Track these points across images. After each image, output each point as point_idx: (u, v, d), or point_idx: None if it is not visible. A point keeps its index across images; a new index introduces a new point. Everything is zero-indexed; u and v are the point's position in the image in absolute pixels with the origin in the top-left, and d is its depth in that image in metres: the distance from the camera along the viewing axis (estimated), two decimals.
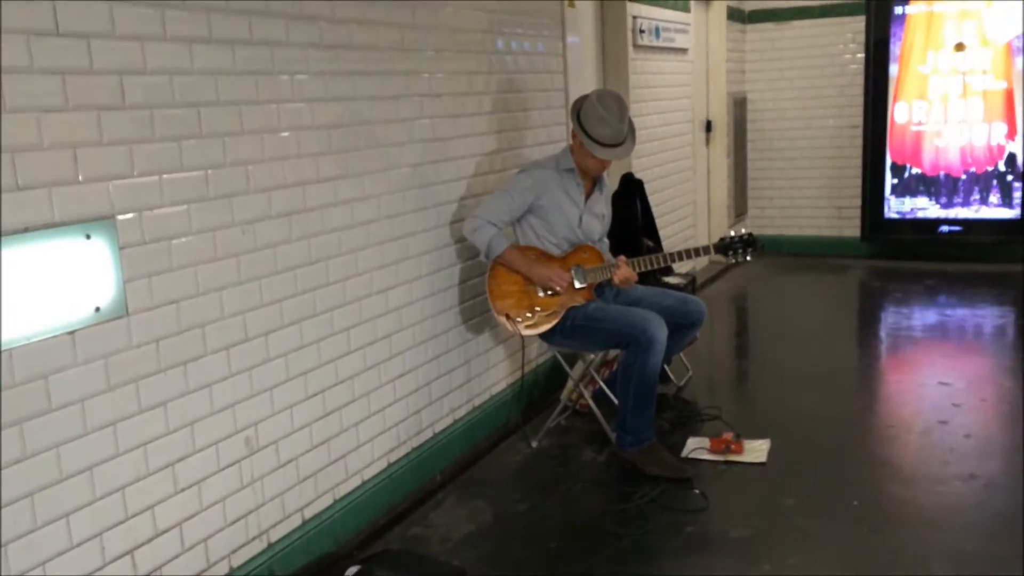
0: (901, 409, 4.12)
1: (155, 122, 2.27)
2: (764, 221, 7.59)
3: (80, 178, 2.09)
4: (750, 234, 3.59)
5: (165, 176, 2.31)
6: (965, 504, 3.11)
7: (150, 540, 2.32)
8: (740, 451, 3.54)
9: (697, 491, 3.26)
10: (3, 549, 1.96)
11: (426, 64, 3.36)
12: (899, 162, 6.81)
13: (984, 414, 3.98)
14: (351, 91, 2.96)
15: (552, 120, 4.36)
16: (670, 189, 6.04)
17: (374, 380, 3.17)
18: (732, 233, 3.61)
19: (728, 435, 3.61)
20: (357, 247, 3.04)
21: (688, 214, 6.52)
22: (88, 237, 2.10)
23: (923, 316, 5.81)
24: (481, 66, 3.73)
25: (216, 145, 2.46)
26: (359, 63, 2.99)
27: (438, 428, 3.57)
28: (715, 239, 6.83)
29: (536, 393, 4.21)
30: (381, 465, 3.24)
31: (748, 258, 3.58)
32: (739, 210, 7.49)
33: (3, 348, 1.93)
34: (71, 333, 2.08)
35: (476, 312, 3.78)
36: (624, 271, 3.43)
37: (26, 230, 1.96)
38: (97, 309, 2.14)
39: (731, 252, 3.59)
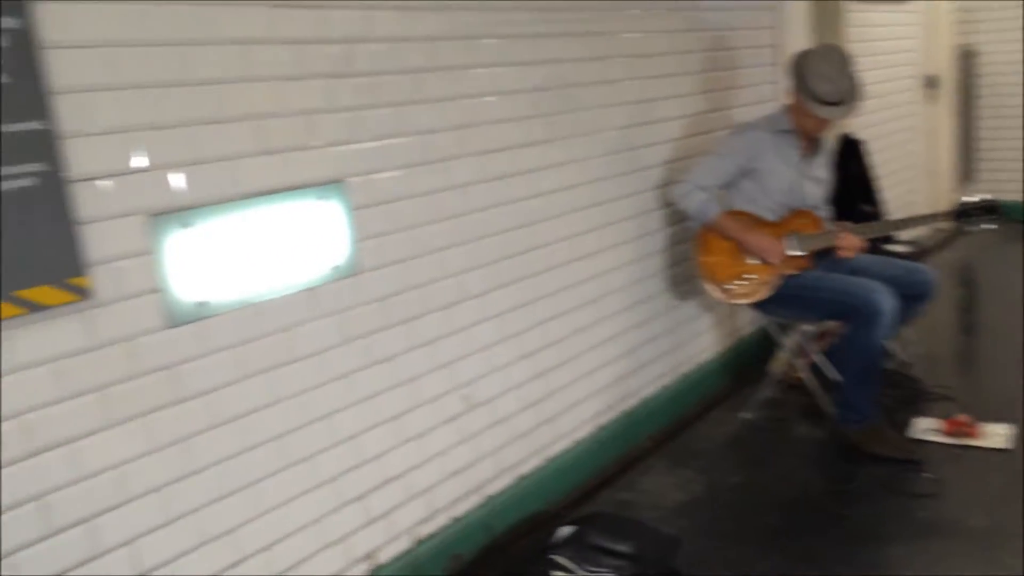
0: None
1: (379, 88, 2.36)
2: (995, 186, 6.89)
3: (314, 143, 2.21)
4: (991, 200, 3.27)
5: (390, 141, 2.40)
6: None
7: (381, 485, 2.45)
8: (977, 435, 3.24)
9: (929, 475, 3.03)
10: (258, 484, 2.12)
11: (632, 23, 3.29)
12: None
13: None
14: (558, 53, 2.95)
15: (761, 79, 4.16)
16: (889, 151, 5.62)
17: (583, 343, 3.17)
18: (970, 198, 3.30)
19: (963, 417, 3.32)
20: (565, 211, 3.04)
21: (908, 178, 6.05)
22: (324, 199, 2.22)
23: None
24: (688, 23, 3.61)
25: (432, 110, 2.53)
26: (566, 24, 2.97)
27: (645, 394, 3.53)
28: (944, 205, 6.30)
29: (744, 363, 4.07)
30: (590, 428, 3.24)
31: (988, 226, 3.26)
32: (966, 174, 6.87)
33: (255, 302, 2.08)
34: (311, 290, 2.22)
35: (682, 279, 3.70)
36: (849, 239, 3.22)
37: (271, 192, 2.10)
38: (335, 267, 2.26)
39: (969, 219, 3.28)
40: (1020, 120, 6.81)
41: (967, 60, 6.68)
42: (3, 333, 1.64)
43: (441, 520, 2.66)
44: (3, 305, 1.62)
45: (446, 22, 2.54)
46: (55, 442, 1.76)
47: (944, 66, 6.39)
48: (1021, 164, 6.87)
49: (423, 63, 2.48)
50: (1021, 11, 6.62)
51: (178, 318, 1.93)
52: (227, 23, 1.99)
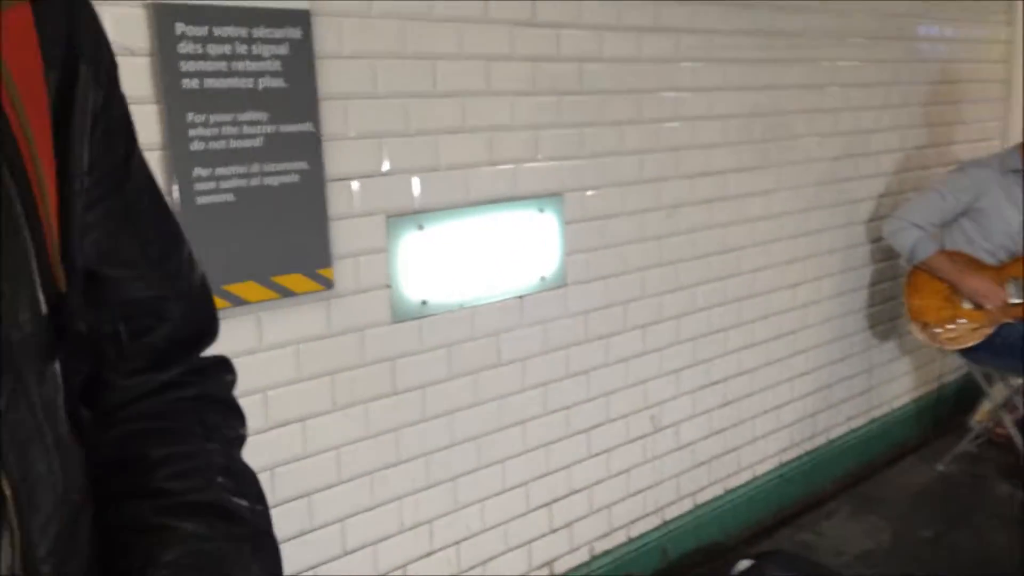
0: None
1: (602, 107, 2.41)
2: None
3: (539, 156, 2.28)
4: None
5: (606, 159, 2.45)
6: None
7: (566, 496, 2.49)
8: None
9: None
10: (456, 480, 2.21)
11: (851, 51, 3.19)
12: None
13: None
14: (774, 79, 2.90)
15: (988, 115, 3.92)
16: None
17: (774, 376, 3.10)
18: None
19: None
20: (769, 239, 2.99)
21: None
22: (541, 211, 2.29)
23: None
24: (911, 54, 3.46)
25: (648, 131, 2.55)
26: (783, 51, 2.92)
27: (833, 435, 3.40)
28: None
29: (941, 413, 3.84)
30: (773, 463, 3.16)
31: None
32: None
33: (470, 305, 2.17)
34: (520, 298, 2.29)
35: (884, 318, 3.54)
36: None
37: (497, 201, 2.19)
38: (543, 278, 2.32)
39: None
40: None
41: None
42: (258, 315, 1.80)
43: (619, 538, 2.68)
44: (262, 288, 1.77)
45: (669, 45, 2.56)
46: (289, 419, 1.90)
47: None
48: None
49: (643, 84, 2.51)
50: None
51: (403, 314, 2.05)
52: (472, 40, 2.09)
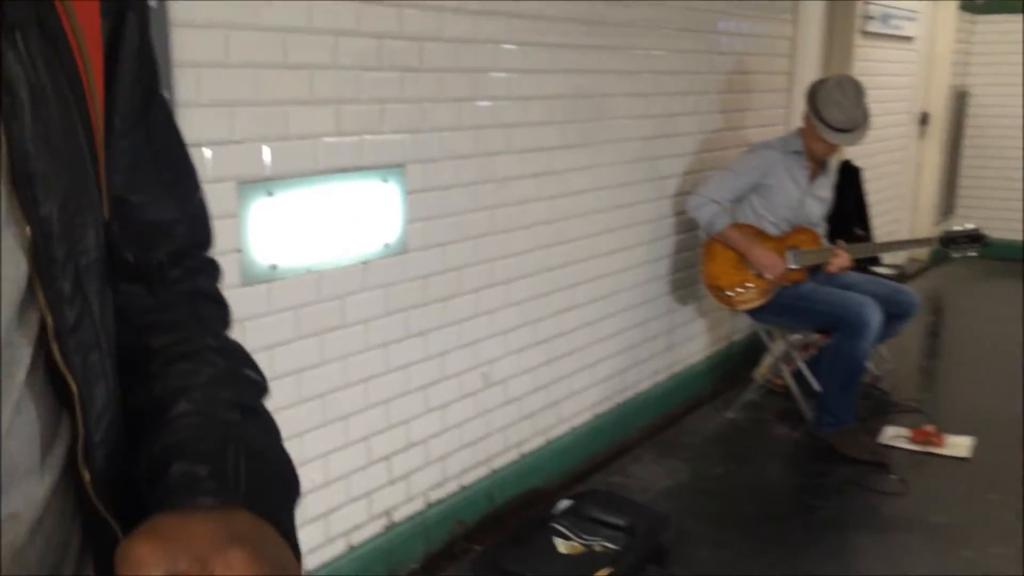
0: None
1: (444, 84, 2.56)
2: (973, 222, 7.23)
3: (383, 129, 2.41)
4: (977, 229, 3.54)
5: (445, 133, 2.61)
6: None
7: (404, 449, 2.66)
8: (941, 444, 3.54)
9: (895, 476, 3.31)
10: (303, 436, 2.33)
11: (662, 41, 3.51)
12: None
13: None
14: (596, 64, 3.16)
15: (773, 103, 4.41)
16: (879, 181, 5.89)
17: (590, 335, 3.40)
18: (958, 227, 3.57)
19: (929, 427, 3.61)
20: (589, 211, 3.26)
21: (894, 208, 6.36)
22: (385, 181, 2.42)
23: None
24: (710, 46, 3.83)
25: (486, 108, 2.73)
26: (604, 37, 3.18)
27: (640, 388, 3.77)
28: (925, 232, 6.62)
29: (730, 367, 4.33)
30: (588, 416, 3.48)
31: (973, 253, 3.54)
32: (946, 208, 7.20)
33: (317, 270, 2.28)
34: (365, 263, 2.42)
35: (684, 283, 3.94)
36: (842, 259, 3.49)
37: (343, 171, 2.30)
38: (386, 245, 2.46)
39: (955, 245, 3.56)
40: (1001, 161, 7.15)
41: (959, 100, 6.99)
42: None
43: (451, 487, 2.88)
44: None
45: (501, 28, 2.74)
46: None
47: (937, 105, 6.70)
48: (997, 203, 7.21)
49: (479, 64, 2.68)
50: (1016, 58, 6.95)
51: (252, 278, 2.12)
52: (320, 14, 2.17)
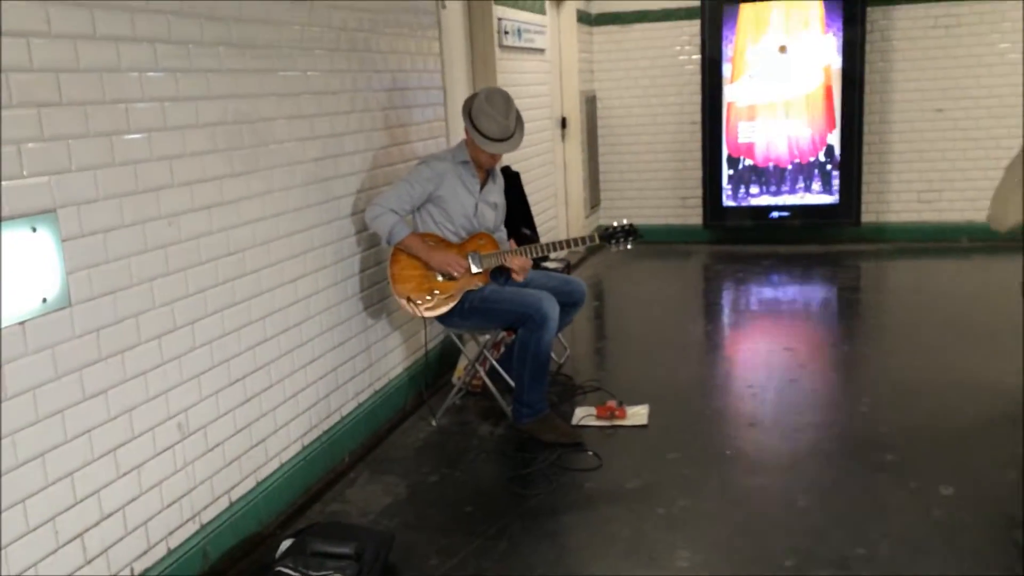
0: (755, 372, 4.64)
1: (88, 118, 2.34)
2: (615, 212, 8.10)
3: (25, 172, 2.14)
4: (631, 224, 3.96)
5: (98, 171, 2.38)
6: (822, 448, 3.60)
7: (97, 523, 2.39)
8: (624, 416, 3.91)
9: (591, 452, 3.60)
10: None
11: (317, 62, 3.50)
12: (734, 155, 7.47)
13: (825, 373, 4.56)
14: (254, 88, 3.07)
15: (433, 116, 4.58)
16: (533, 183, 6.37)
17: (288, 366, 3.31)
18: (615, 223, 3.96)
19: (611, 403, 3.97)
20: (269, 238, 3.17)
21: (551, 206, 6.90)
22: (34, 230, 2.16)
23: (762, 293, 6.45)
24: (364, 64, 3.89)
25: (141, 140, 2.54)
26: (259, 61, 3.10)
27: (345, 411, 3.73)
28: (578, 230, 7.25)
29: (429, 376, 4.43)
30: (296, 448, 3.37)
31: (629, 246, 3.94)
32: (593, 201, 7.97)
33: None
34: (22, 323, 2.14)
35: (374, 300, 3.97)
36: (520, 259, 3.73)
37: None
38: (44, 300, 2.20)
39: (614, 240, 3.94)
40: (631, 156, 8.07)
41: (589, 104, 7.77)
42: None
43: (159, 552, 2.65)
44: None
45: (147, 55, 2.56)
46: None
47: (572, 109, 7.39)
48: (634, 192, 8.13)
49: (127, 95, 2.48)
50: (629, 64, 7.88)
51: None
52: None
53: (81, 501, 2.34)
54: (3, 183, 2.08)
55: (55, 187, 2.24)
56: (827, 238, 7.54)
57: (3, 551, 2.10)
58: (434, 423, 4.02)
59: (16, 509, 2.14)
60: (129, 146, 2.49)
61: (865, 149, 7.33)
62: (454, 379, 4.38)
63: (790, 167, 7.42)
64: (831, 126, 7.27)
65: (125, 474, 2.50)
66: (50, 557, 2.24)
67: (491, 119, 3.64)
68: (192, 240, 2.75)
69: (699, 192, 7.68)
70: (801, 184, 7.43)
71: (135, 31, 2.51)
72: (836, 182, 7.35)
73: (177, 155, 2.68)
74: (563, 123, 7.32)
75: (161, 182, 2.62)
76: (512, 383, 3.87)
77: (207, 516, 2.86)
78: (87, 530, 2.36)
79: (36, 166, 2.18)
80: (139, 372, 2.55)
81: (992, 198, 3.55)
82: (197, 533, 2.81)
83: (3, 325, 2.08)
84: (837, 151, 7.30)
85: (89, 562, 2.37)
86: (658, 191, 8.08)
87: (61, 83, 2.25)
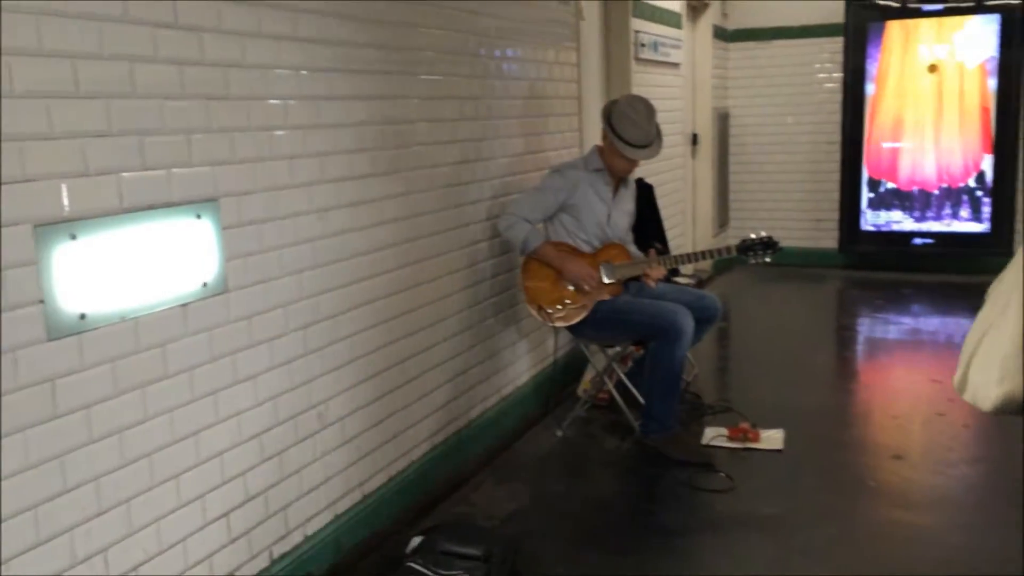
0: (900, 403, 4.40)
1: (251, 112, 2.43)
2: (745, 232, 7.80)
3: (192, 161, 2.24)
4: (770, 236, 3.83)
5: (257, 164, 2.47)
6: (974, 484, 3.36)
7: (241, 504, 2.46)
8: (757, 439, 3.76)
9: (723, 473, 3.47)
10: (130, 502, 2.09)
11: (460, 67, 3.54)
12: (875, 177, 7.16)
13: (976, 408, 4.26)
14: (401, 90, 3.13)
15: (567, 126, 4.57)
16: (664, 198, 6.27)
17: (421, 365, 3.33)
18: (752, 235, 3.84)
19: (744, 425, 3.83)
20: (408, 238, 3.21)
21: (679, 223, 6.78)
22: (199, 217, 2.25)
23: (902, 322, 6.13)
24: (504, 71, 3.91)
25: (297, 136, 2.62)
26: (405, 65, 3.16)
27: (472, 415, 3.74)
28: (706, 244, 7.08)
29: (557, 385, 4.40)
30: (426, 447, 3.40)
31: (768, 259, 3.80)
32: (722, 220, 7.79)
33: (132, 316, 2.07)
34: (184, 306, 2.23)
35: (504, 306, 3.97)
36: (657, 270, 3.65)
37: (152, 208, 2.11)
38: (204, 284, 2.28)
39: (752, 252, 3.82)
40: (764, 175, 7.85)
41: (722, 121, 7.62)
42: None
43: (295, 538, 2.70)
44: None
45: (314, 55, 2.65)
46: None
47: (704, 125, 7.26)
48: (765, 213, 7.90)
49: (286, 92, 2.57)
50: (765, 81, 7.68)
51: (60, 330, 1.89)
52: (114, 39, 2.00)
53: (229, 481, 2.42)
54: (174, 171, 2.18)
55: (218, 177, 2.33)
56: (971, 268, 7.10)
57: (158, 524, 2.18)
58: (559, 433, 3.98)
59: (170, 484, 2.22)
60: (284, 141, 2.57)
61: (1020, 176, 6.89)
62: (579, 391, 4.33)
63: (936, 192, 7.05)
64: (986, 150, 6.86)
65: (269, 459, 2.57)
66: (197, 533, 2.31)
67: (634, 125, 3.59)
68: (338, 235, 2.82)
69: (835, 214, 7.39)
70: (948, 210, 7.04)
71: (296, 31, 2.60)
72: (987, 209, 6.93)
73: (328, 152, 2.76)
74: (694, 139, 7.19)
75: (312, 177, 2.69)
76: (640, 398, 3.80)
77: (341, 507, 2.91)
78: (232, 510, 2.43)
79: (203, 156, 2.27)
80: (285, 360, 2.61)
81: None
82: (331, 523, 2.85)
83: (167, 306, 2.17)
84: (989, 176, 6.88)
85: (233, 541, 2.44)
86: (790, 212, 7.82)
87: (229, 78, 2.35)
